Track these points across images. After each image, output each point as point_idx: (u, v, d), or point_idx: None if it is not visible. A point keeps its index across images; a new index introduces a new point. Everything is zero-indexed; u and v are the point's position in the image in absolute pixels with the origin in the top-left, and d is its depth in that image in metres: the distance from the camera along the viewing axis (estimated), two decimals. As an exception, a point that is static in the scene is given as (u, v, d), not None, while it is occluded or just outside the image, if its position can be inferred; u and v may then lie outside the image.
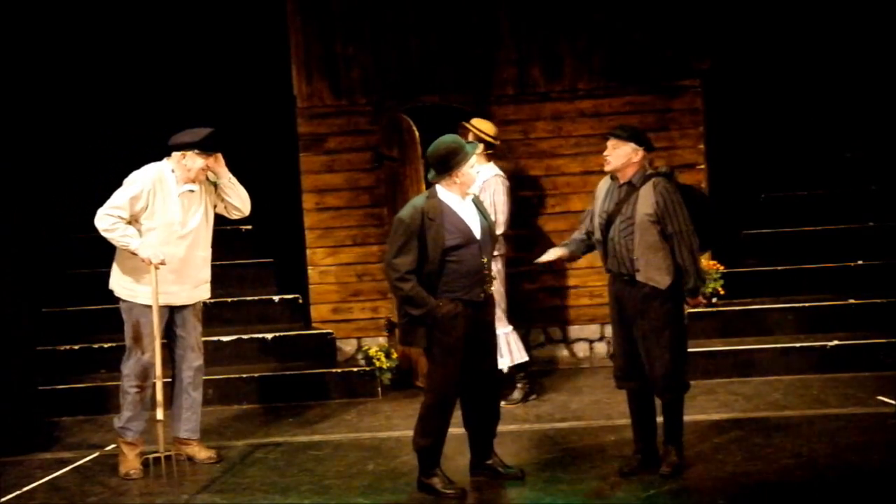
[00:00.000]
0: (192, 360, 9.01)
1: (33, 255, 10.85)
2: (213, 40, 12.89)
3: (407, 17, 11.32)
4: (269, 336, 11.18)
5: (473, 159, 8.07)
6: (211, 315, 11.49)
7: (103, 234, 8.67)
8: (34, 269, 10.89)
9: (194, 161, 8.76)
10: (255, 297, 11.66)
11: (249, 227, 12.27)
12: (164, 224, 8.73)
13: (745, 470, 8.17)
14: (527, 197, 11.32)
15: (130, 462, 8.83)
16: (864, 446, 8.52)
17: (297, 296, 11.61)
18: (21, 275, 10.61)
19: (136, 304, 8.78)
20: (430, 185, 8.13)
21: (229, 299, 11.62)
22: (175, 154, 8.81)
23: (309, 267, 11.50)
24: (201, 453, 9.04)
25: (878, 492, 7.67)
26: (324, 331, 11.34)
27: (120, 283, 8.86)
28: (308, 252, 11.51)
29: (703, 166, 11.29)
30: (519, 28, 11.29)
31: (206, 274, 9.07)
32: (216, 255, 11.89)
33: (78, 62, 12.53)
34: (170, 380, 9.04)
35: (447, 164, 7.96)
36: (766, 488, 7.82)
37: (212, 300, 11.47)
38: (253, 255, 12.07)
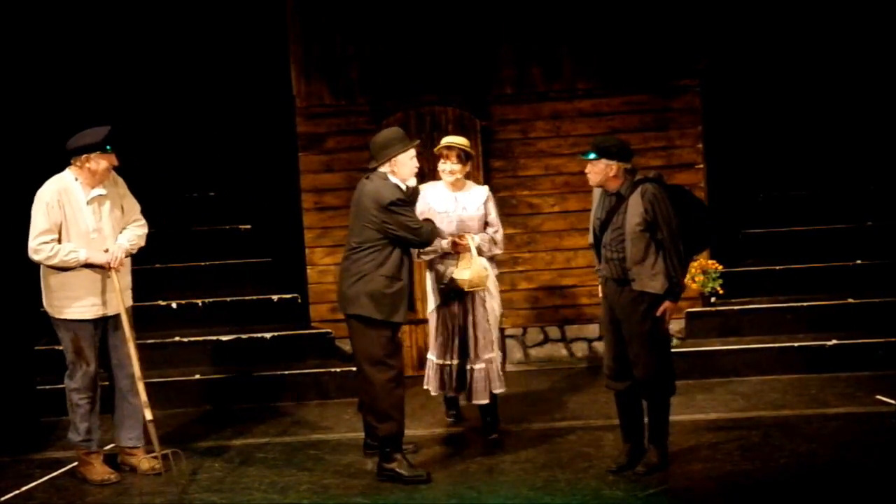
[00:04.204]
0: (128, 368, 8.78)
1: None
2: (213, 40, 12.89)
3: (406, 17, 11.32)
4: (268, 335, 11.18)
5: (413, 151, 8.33)
6: (210, 315, 11.52)
7: (47, 263, 8.51)
8: (32, 268, 10.87)
9: (98, 163, 8.56)
10: (254, 297, 11.65)
11: (248, 226, 12.29)
12: (77, 235, 8.56)
13: (744, 469, 8.18)
14: (525, 196, 11.33)
15: (100, 469, 8.75)
16: (863, 446, 8.53)
17: (296, 295, 11.61)
18: (20, 274, 10.60)
19: (69, 321, 8.62)
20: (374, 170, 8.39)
21: (228, 299, 11.62)
22: (77, 159, 8.60)
23: (308, 266, 11.51)
24: (144, 463, 8.85)
25: (876, 491, 7.67)
26: (323, 330, 11.34)
27: (51, 301, 8.67)
28: (307, 251, 11.51)
29: (701, 166, 11.30)
30: (518, 28, 11.29)
31: (128, 279, 8.89)
32: (215, 254, 12.00)
33: (77, 61, 12.52)
34: (106, 383, 8.90)
35: (386, 150, 8.25)
36: (764, 487, 7.84)
37: (211, 300, 11.56)
38: (252, 255, 12.07)
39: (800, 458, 8.35)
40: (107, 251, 8.58)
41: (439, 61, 11.33)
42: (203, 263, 11.94)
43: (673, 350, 8.65)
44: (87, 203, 8.60)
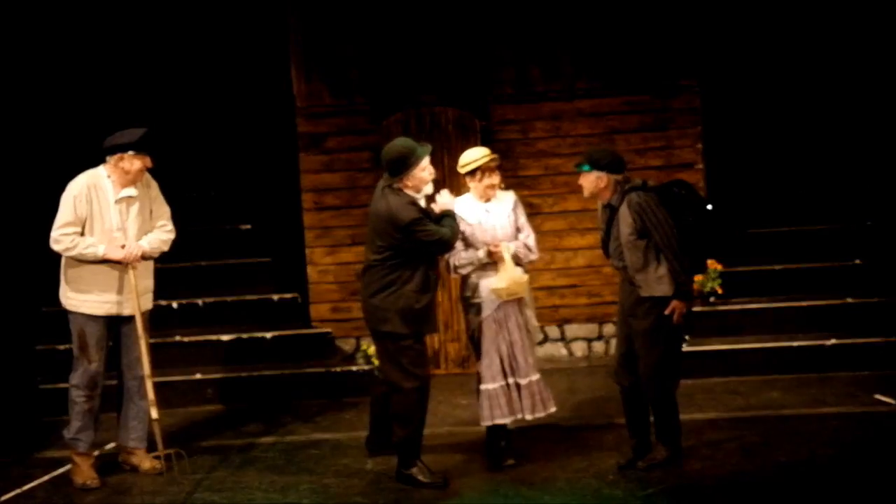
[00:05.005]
0: (138, 370, 8.77)
1: (33, 254, 10.88)
2: (213, 40, 12.89)
3: (406, 17, 11.34)
4: (269, 335, 11.19)
5: (425, 161, 8.14)
6: (210, 315, 11.54)
7: (66, 254, 8.52)
8: (34, 268, 10.91)
9: (132, 163, 8.58)
10: (254, 297, 11.66)
11: (248, 226, 12.29)
12: (101, 231, 8.56)
13: (743, 468, 8.19)
14: (525, 196, 11.31)
15: (85, 472, 8.69)
16: (863, 445, 8.53)
17: (296, 295, 11.62)
18: (21, 274, 10.61)
19: (80, 314, 8.63)
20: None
21: (228, 299, 11.63)
22: (111, 158, 8.61)
23: (308, 266, 11.52)
24: (145, 463, 8.85)
25: (876, 491, 7.68)
26: (323, 330, 11.35)
27: (65, 293, 8.69)
28: (307, 251, 11.53)
29: (701, 166, 11.31)
30: (517, 28, 11.30)
31: (150, 282, 8.89)
32: (215, 254, 12.01)
33: (78, 61, 12.52)
34: (114, 382, 8.90)
35: (399, 167, 8.09)
36: (763, 487, 7.84)
37: (211, 300, 11.57)
38: (252, 255, 12.08)
39: (800, 458, 8.35)
40: (123, 247, 8.59)
41: (439, 61, 11.34)
42: (203, 263, 11.95)
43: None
44: (116, 202, 8.62)
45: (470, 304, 8.52)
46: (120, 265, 8.58)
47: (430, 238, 8.08)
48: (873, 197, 11.83)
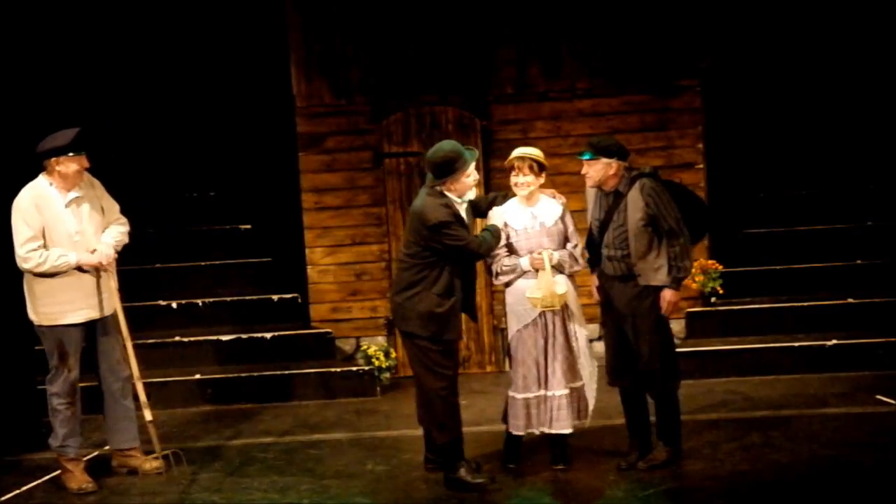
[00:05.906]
0: (119, 372, 8.69)
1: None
2: (213, 40, 12.89)
3: (406, 17, 11.33)
4: (268, 335, 11.18)
5: (471, 167, 8.05)
6: (210, 315, 11.53)
7: (37, 271, 8.36)
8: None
9: (68, 166, 8.40)
10: (254, 297, 11.65)
11: (248, 226, 12.29)
12: (59, 239, 8.41)
13: (744, 469, 8.18)
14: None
15: (79, 477, 8.59)
16: (863, 445, 8.53)
17: (296, 295, 11.61)
18: (19, 275, 10.58)
19: (59, 326, 8.47)
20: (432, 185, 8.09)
21: (228, 299, 11.63)
22: (47, 163, 8.45)
23: (308, 266, 11.51)
24: (146, 464, 8.79)
25: (876, 491, 7.67)
26: (323, 330, 11.35)
27: (37, 309, 8.52)
28: (307, 251, 11.51)
29: (701, 166, 11.30)
30: (518, 28, 11.29)
31: (114, 280, 8.73)
32: (215, 254, 12.01)
33: (77, 60, 12.52)
34: (96, 384, 8.80)
35: (444, 171, 8.00)
36: (764, 487, 7.83)
37: (211, 300, 11.56)
38: (252, 255, 12.08)
39: (800, 458, 8.34)
40: (94, 252, 8.53)
41: (439, 61, 11.33)
42: (203, 263, 11.95)
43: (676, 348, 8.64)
44: (66, 206, 8.47)
45: (511, 312, 8.36)
46: (91, 269, 8.51)
47: (456, 243, 7.97)
48: (873, 197, 11.83)
